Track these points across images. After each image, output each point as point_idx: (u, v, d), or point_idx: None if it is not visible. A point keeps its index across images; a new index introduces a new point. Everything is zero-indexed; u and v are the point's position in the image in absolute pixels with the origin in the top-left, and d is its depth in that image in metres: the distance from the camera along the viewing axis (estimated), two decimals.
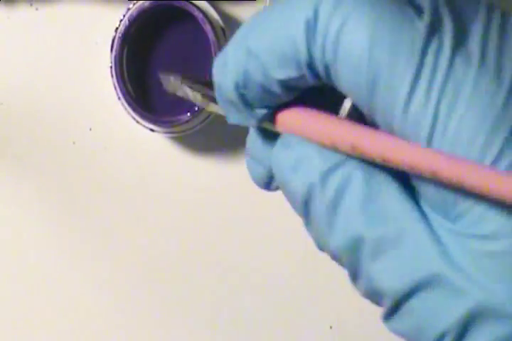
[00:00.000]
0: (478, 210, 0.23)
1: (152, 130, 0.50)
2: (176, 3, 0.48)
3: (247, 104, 0.26)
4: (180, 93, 0.32)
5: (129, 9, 0.49)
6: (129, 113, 0.49)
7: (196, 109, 0.48)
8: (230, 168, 0.53)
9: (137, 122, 0.49)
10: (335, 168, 0.25)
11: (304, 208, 0.26)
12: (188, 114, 0.48)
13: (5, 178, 0.53)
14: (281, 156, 0.26)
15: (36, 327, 0.53)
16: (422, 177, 0.24)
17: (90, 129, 0.53)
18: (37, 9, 0.53)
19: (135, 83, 0.49)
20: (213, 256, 0.53)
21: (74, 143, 0.53)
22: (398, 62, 0.23)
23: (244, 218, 0.53)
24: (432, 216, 0.25)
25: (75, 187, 0.53)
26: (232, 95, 0.26)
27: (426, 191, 0.25)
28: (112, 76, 0.49)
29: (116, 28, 0.49)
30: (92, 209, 0.53)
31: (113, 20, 0.51)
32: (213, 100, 0.29)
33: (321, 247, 0.27)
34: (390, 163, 0.24)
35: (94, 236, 0.53)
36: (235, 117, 0.27)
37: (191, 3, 0.48)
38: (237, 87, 0.26)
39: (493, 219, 0.23)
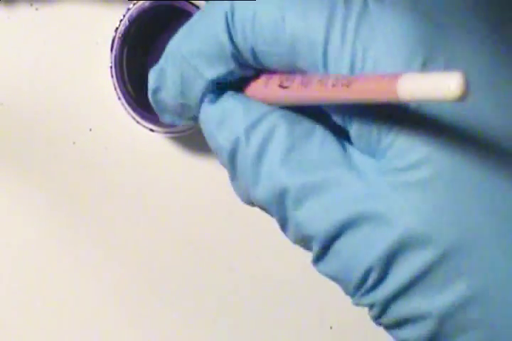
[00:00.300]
0: (398, 144, 0.24)
1: (152, 130, 0.50)
2: (176, 3, 0.48)
3: (183, 112, 0.28)
4: None
5: (129, 9, 0.49)
6: (129, 113, 0.49)
7: None
8: None
9: (137, 122, 0.49)
10: (258, 121, 0.26)
11: (230, 163, 0.27)
12: None
13: (5, 178, 0.53)
14: (208, 112, 0.27)
15: (36, 327, 0.53)
16: (342, 112, 0.25)
17: (90, 129, 0.53)
18: (37, 9, 0.53)
19: (135, 83, 0.49)
20: (213, 256, 0.53)
21: (74, 143, 0.53)
22: (311, 19, 0.24)
23: (243, 218, 0.53)
24: (360, 159, 0.25)
25: (75, 187, 0.53)
26: (172, 103, 0.28)
27: (352, 132, 0.25)
28: (112, 76, 0.49)
29: (116, 28, 0.49)
30: (92, 209, 0.53)
31: (113, 20, 0.51)
32: None
33: (246, 201, 0.28)
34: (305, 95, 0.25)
35: (94, 236, 0.53)
36: (168, 118, 0.29)
37: (191, 3, 0.48)
38: (176, 96, 0.28)
39: (412, 151, 0.24)
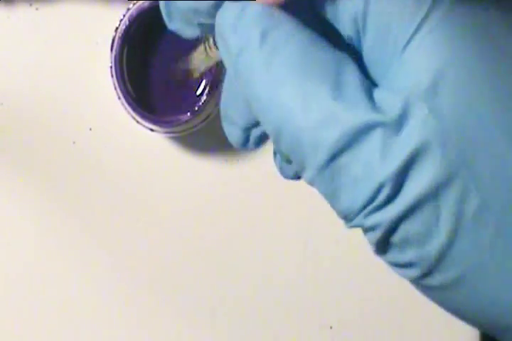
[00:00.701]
0: (417, 54, 0.24)
1: (152, 130, 0.50)
2: None
3: (194, 16, 0.28)
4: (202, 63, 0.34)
5: (129, 9, 0.49)
6: (129, 113, 0.49)
7: (196, 108, 0.48)
8: (229, 168, 0.53)
9: (137, 122, 0.49)
10: (276, 26, 0.25)
11: (234, 61, 0.26)
12: (188, 113, 0.48)
13: (5, 178, 0.53)
14: (225, 13, 0.26)
15: (36, 327, 0.53)
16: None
17: (90, 129, 0.53)
18: (37, 9, 0.53)
19: (135, 83, 0.49)
20: (213, 256, 0.53)
21: (74, 143, 0.53)
22: None
23: (244, 217, 0.53)
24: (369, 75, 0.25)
25: (75, 187, 0.53)
26: (183, 6, 0.28)
27: (365, 42, 0.25)
28: (112, 76, 0.49)
29: (116, 28, 0.49)
30: (92, 209, 0.53)
31: (113, 20, 0.51)
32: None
33: (247, 98, 0.27)
34: None
35: (94, 236, 0.53)
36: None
37: None
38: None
39: (432, 61, 0.23)
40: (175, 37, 0.48)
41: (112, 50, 0.49)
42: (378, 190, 0.24)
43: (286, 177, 0.30)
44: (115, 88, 0.49)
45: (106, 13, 0.52)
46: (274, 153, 0.30)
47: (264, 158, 0.53)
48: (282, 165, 0.30)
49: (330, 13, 0.26)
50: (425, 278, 0.24)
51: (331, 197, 0.25)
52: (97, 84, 0.52)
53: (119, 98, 0.49)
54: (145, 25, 0.49)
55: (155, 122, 0.49)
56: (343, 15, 0.25)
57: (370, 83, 0.25)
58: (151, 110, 0.50)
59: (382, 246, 0.25)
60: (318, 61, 0.25)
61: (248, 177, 0.53)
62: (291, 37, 0.25)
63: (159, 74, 0.50)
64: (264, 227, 0.53)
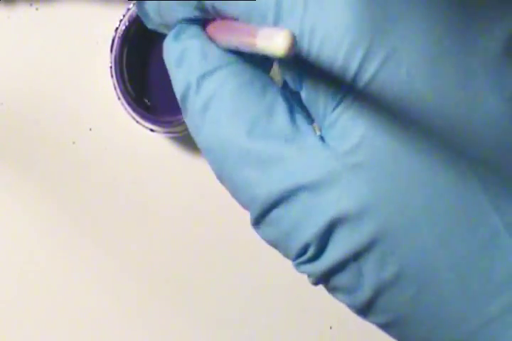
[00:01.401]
0: (342, 123, 0.24)
1: (152, 130, 0.50)
2: None
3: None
4: None
5: (129, 9, 0.49)
6: (129, 113, 0.49)
7: None
8: None
9: (137, 122, 0.49)
10: (211, 72, 0.26)
11: (182, 104, 0.27)
12: None
13: (5, 178, 0.53)
14: (170, 47, 0.27)
15: (36, 327, 0.53)
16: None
17: (90, 129, 0.53)
18: (37, 9, 0.53)
19: (135, 83, 0.49)
20: (212, 256, 0.53)
21: (74, 143, 0.53)
22: None
23: (243, 218, 0.53)
24: (306, 130, 0.25)
25: (75, 187, 0.53)
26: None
27: (302, 96, 0.25)
28: (112, 76, 0.49)
29: (116, 28, 0.49)
30: (91, 209, 0.53)
31: (113, 20, 0.51)
32: None
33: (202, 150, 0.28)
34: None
35: (94, 236, 0.53)
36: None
37: None
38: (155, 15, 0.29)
39: (354, 133, 0.24)
40: None
41: (111, 50, 0.49)
42: (305, 248, 0.25)
43: None
44: (115, 88, 0.49)
45: (106, 13, 0.52)
46: None
47: None
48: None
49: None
50: (362, 316, 0.26)
51: (270, 244, 0.27)
52: (97, 84, 0.52)
53: (119, 98, 0.49)
54: (144, 26, 0.49)
55: (155, 122, 0.49)
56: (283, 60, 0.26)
57: (298, 129, 0.25)
58: (151, 110, 0.50)
59: (319, 285, 0.27)
60: (249, 109, 0.25)
61: None
62: (223, 84, 0.26)
63: (159, 74, 0.50)
64: None
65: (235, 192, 0.26)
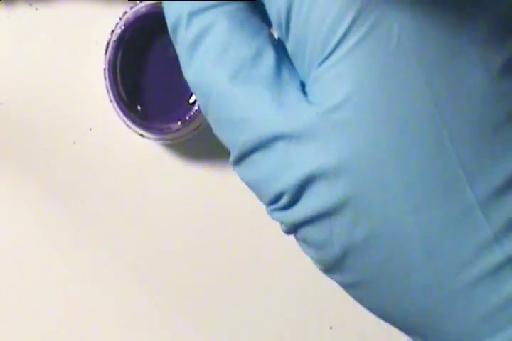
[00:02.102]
0: (326, 80, 0.24)
1: (142, 135, 0.49)
2: None
3: None
4: None
5: (125, 13, 0.48)
6: (120, 116, 0.49)
7: (187, 118, 0.48)
8: (221, 176, 0.53)
9: (127, 126, 0.49)
10: (203, 10, 0.26)
11: (172, 34, 0.27)
12: (179, 123, 0.48)
13: (5, 178, 0.53)
14: None
15: (36, 327, 0.53)
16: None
17: (90, 129, 0.53)
18: (37, 9, 0.53)
19: (128, 88, 0.49)
20: (208, 261, 0.53)
21: (74, 143, 0.53)
22: None
23: (237, 223, 0.53)
24: (290, 81, 0.25)
25: (75, 187, 0.53)
26: None
27: (287, 46, 0.25)
28: (105, 78, 0.49)
29: (112, 31, 0.48)
30: (91, 209, 0.53)
31: (113, 20, 0.51)
32: None
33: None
34: None
35: (93, 236, 0.53)
36: None
37: None
38: None
39: (337, 90, 0.24)
40: (170, 43, 0.48)
41: (106, 52, 0.49)
42: (279, 196, 0.25)
43: None
44: (107, 91, 0.49)
45: (105, 13, 0.52)
46: None
47: None
48: None
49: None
50: (328, 274, 0.27)
51: (246, 184, 0.27)
52: (97, 84, 0.52)
53: (111, 101, 0.49)
54: (141, 30, 0.49)
55: (145, 128, 0.49)
56: (271, 11, 0.26)
57: (281, 79, 0.25)
58: (142, 116, 0.49)
59: (290, 234, 0.27)
60: (237, 50, 0.25)
61: (238, 185, 0.53)
62: (215, 22, 0.26)
63: (152, 80, 0.50)
64: (260, 230, 0.53)
65: (218, 130, 0.26)
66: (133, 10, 0.48)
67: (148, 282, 0.54)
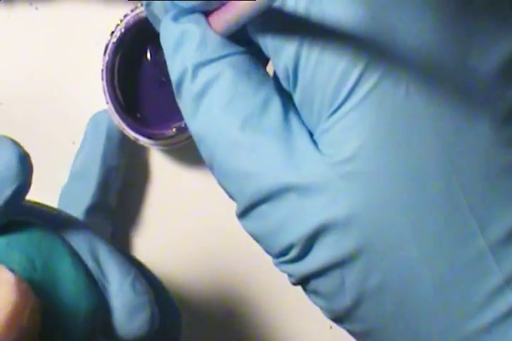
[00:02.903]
0: (335, 132, 0.24)
1: (137, 139, 0.49)
2: None
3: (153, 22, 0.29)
4: None
5: (126, 15, 0.48)
6: (115, 119, 0.49)
7: (182, 125, 0.48)
8: (215, 182, 0.53)
9: (122, 129, 0.49)
10: (209, 62, 0.26)
11: (176, 88, 0.27)
12: (174, 129, 0.48)
13: None
14: (169, 28, 0.27)
15: None
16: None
17: None
18: (37, 9, 0.53)
19: (124, 91, 0.49)
20: (209, 260, 0.53)
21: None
22: None
23: (231, 231, 0.53)
24: (299, 131, 0.25)
25: None
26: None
27: (295, 98, 0.25)
28: (102, 79, 0.48)
29: (112, 32, 0.48)
30: None
31: (113, 19, 0.51)
32: None
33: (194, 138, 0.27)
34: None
35: None
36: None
37: None
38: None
39: (348, 143, 0.24)
40: None
41: (104, 54, 0.48)
42: (289, 248, 0.25)
43: None
44: (104, 92, 0.49)
45: (106, 13, 0.52)
46: None
47: None
48: None
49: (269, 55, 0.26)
50: (338, 323, 0.26)
51: (253, 237, 0.27)
52: (97, 84, 0.52)
53: (107, 103, 0.49)
54: (140, 34, 0.48)
55: (139, 132, 0.48)
56: (276, 67, 0.26)
57: (290, 129, 0.25)
58: (138, 120, 0.49)
59: (300, 285, 0.27)
60: (244, 101, 0.25)
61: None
62: (221, 73, 0.26)
63: (149, 85, 0.50)
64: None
65: (224, 181, 0.26)
66: (134, 13, 0.48)
67: None
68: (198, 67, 0.26)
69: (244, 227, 0.27)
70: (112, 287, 0.31)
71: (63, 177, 0.53)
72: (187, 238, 0.53)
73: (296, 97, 0.25)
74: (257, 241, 0.27)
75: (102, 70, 0.48)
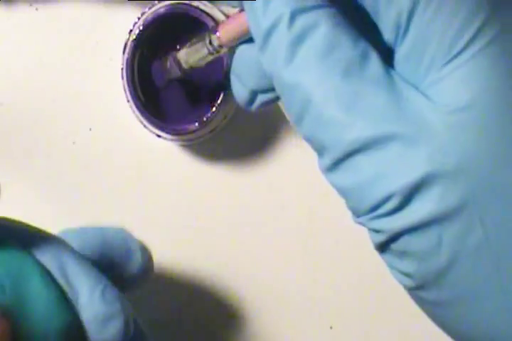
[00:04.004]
0: (450, 81, 0.24)
1: (159, 136, 0.49)
2: (192, 13, 0.47)
3: None
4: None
5: (144, 13, 0.48)
6: (137, 116, 0.49)
7: (205, 119, 0.48)
8: (236, 178, 0.53)
9: (144, 126, 0.49)
10: (309, 9, 0.25)
11: (264, 36, 0.26)
12: (196, 124, 0.48)
13: (4, 178, 0.53)
14: None
15: None
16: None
17: (90, 129, 0.53)
18: (37, 9, 0.53)
19: (145, 88, 0.49)
20: (215, 258, 0.53)
21: (74, 143, 0.53)
22: None
23: (249, 226, 0.53)
24: (401, 81, 0.25)
25: (75, 187, 0.53)
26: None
27: (400, 50, 0.25)
28: (123, 78, 0.49)
29: (130, 31, 0.48)
30: (91, 210, 0.53)
31: (113, 19, 0.52)
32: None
33: (279, 88, 0.26)
34: None
35: None
36: None
37: (206, 13, 0.47)
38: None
39: (462, 92, 0.24)
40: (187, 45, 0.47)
41: (124, 52, 0.48)
42: (386, 199, 0.24)
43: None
44: (124, 90, 0.49)
45: (106, 14, 0.52)
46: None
47: (265, 168, 0.53)
48: None
49: (371, 6, 0.26)
50: (420, 291, 0.25)
51: (341, 192, 0.25)
52: (97, 84, 0.52)
53: (128, 101, 0.49)
54: (159, 31, 0.48)
55: (162, 129, 0.49)
56: (385, 15, 0.25)
57: (393, 79, 0.25)
58: (160, 116, 0.49)
59: (383, 248, 0.25)
60: (344, 51, 0.25)
61: (252, 187, 0.53)
62: (319, 22, 0.25)
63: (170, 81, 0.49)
64: (267, 232, 0.53)
65: (317, 131, 0.25)
66: (151, 10, 0.48)
67: (156, 288, 0.54)
68: (296, 13, 0.25)
69: (332, 181, 0.25)
70: (82, 299, 0.30)
71: (63, 177, 0.53)
72: (203, 233, 0.53)
73: (404, 47, 0.25)
74: (345, 195, 0.25)
75: (122, 69, 0.48)
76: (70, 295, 0.30)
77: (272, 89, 0.28)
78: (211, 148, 0.52)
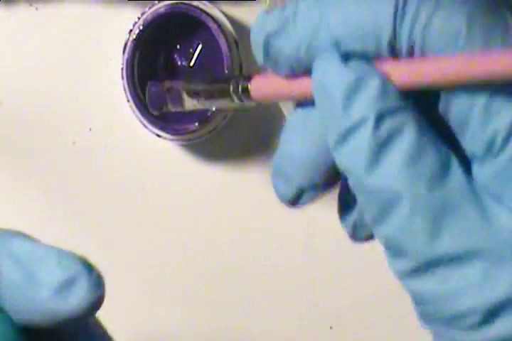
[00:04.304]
0: None
1: (159, 136, 0.49)
2: (192, 13, 0.47)
3: (298, 65, 0.26)
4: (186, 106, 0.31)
5: (143, 13, 0.48)
6: (137, 116, 0.49)
7: (205, 118, 0.48)
8: (235, 177, 0.53)
9: (145, 126, 0.49)
10: (394, 111, 0.24)
11: (341, 135, 0.25)
12: (197, 123, 0.48)
13: (4, 178, 0.53)
14: (338, 71, 0.25)
15: None
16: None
17: (90, 129, 0.53)
18: (37, 9, 0.53)
19: (145, 87, 0.49)
20: (215, 257, 0.53)
21: (74, 143, 0.53)
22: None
23: (249, 225, 0.53)
24: (484, 191, 0.24)
25: (75, 187, 0.53)
26: (289, 53, 0.26)
27: (480, 175, 0.24)
28: (123, 78, 0.48)
29: (130, 30, 0.48)
30: (91, 210, 0.53)
31: (113, 20, 0.51)
32: (223, 94, 0.29)
33: (357, 189, 0.25)
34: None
35: (93, 237, 0.53)
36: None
37: (206, 13, 0.47)
38: (299, 46, 0.25)
39: None
40: (187, 46, 0.47)
41: (124, 52, 0.48)
42: (466, 314, 0.24)
43: (357, 239, 0.29)
44: (125, 90, 0.49)
45: (106, 13, 0.52)
46: (343, 217, 0.29)
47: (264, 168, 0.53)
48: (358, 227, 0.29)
49: (458, 117, 0.25)
50: None
51: (416, 296, 0.25)
52: (97, 84, 0.52)
53: (128, 101, 0.49)
54: (159, 30, 0.48)
55: (162, 128, 0.49)
56: (478, 130, 0.25)
57: (476, 190, 0.24)
58: (159, 116, 0.49)
59: None
60: (429, 157, 0.24)
61: (253, 186, 0.53)
62: (406, 125, 0.24)
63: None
64: (267, 232, 0.53)
65: (395, 235, 0.24)
66: (151, 10, 0.48)
67: (154, 287, 0.54)
68: (383, 115, 0.24)
69: (408, 285, 0.25)
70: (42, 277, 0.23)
71: (63, 177, 0.53)
72: (200, 232, 0.53)
73: (495, 165, 0.24)
74: (423, 301, 0.25)
75: (122, 69, 0.48)
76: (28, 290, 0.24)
77: (324, 184, 0.27)
78: (211, 148, 0.52)
